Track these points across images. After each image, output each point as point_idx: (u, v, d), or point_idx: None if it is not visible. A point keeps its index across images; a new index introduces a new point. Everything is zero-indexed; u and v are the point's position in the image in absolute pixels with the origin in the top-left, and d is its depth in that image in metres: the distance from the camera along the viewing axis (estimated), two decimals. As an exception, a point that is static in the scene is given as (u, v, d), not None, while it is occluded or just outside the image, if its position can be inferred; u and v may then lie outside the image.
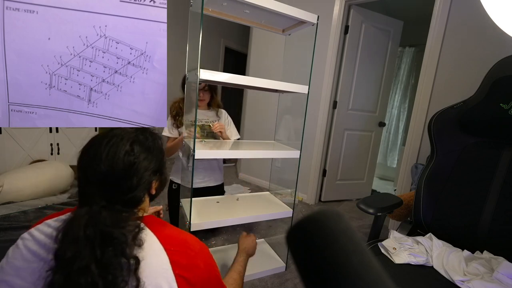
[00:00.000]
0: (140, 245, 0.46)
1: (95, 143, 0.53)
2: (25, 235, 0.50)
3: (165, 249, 0.49)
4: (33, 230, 0.50)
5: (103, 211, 0.47)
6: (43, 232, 0.49)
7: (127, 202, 0.52)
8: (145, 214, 0.56)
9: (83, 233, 0.44)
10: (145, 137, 0.58)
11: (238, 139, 1.63)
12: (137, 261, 0.45)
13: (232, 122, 1.69)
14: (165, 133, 1.57)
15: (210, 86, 1.58)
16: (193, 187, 1.54)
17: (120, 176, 0.50)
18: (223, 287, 0.59)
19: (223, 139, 1.51)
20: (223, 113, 1.69)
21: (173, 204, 1.66)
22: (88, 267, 0.42)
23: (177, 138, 1.54)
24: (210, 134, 1.56)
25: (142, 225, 0.50)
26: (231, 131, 1.65)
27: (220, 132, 1.48)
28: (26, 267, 0.46)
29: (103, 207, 0.48)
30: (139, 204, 0.55)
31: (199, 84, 1.48)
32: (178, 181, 1.63)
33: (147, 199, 0.59)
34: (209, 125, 1.57)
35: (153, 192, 0.60)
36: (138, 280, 0.44)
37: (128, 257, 0.44)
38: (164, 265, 0.48)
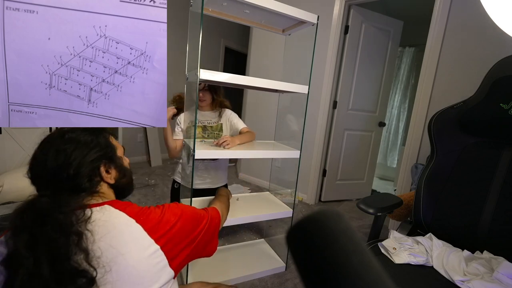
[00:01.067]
0: (86, 220, 0.51)
1: (35, 153, 0.60)
2: None
3: (136, 220, 0.55)
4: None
5: (43, 197, 0.52)
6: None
7: (72, 189, 0.57)
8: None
9: (20, 219, 0.48)
10: (76, 134, 0.63)
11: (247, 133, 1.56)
12: (79, 234, 0.48)
13: (236, 116, 1.61)
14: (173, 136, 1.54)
15: (210, 87, 1.55)
16: (195, 187, 1.55)
17: (55, 170, 0.56)
18: (204, 212, 0.73)
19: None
20: (226, 112, 1.61)
21: None
22: (30, 247, 0.45)
23: (179, 138, 1.50)
24: (212, 135, 1.56)
25: (105, 206, 0.56)
26: (237, 123, 1.57)
27: (226, 143, 1.24)
28: None
29: (44, 195, 0.53)
30: (86, 190, 0.59)
31: (199, 84, 1.48)
32: (180, 181, 1.62)
33: (104, 186, 0.64)
34: (211, 126, 1.57)
35: (110, 180, 0.65)
36: (85, 251, 0.47)
37: (67, 232, 0.47)
38: (137, 233, 0.54)
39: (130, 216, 0.56)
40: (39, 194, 0.55)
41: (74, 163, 0.57)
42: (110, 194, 0.65)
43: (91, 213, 0.53)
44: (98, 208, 0.55)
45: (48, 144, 0.59)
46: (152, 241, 0.54)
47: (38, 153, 0.59)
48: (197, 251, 0.68)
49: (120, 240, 0.52)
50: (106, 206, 0.56)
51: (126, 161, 0.73)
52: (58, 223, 0.48)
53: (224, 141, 1.22)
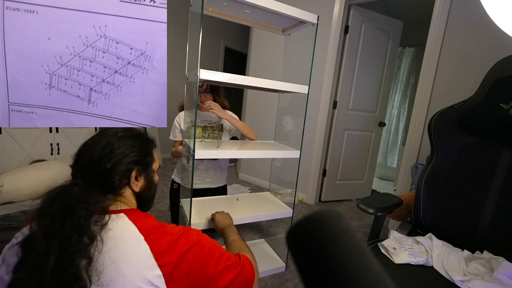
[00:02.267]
0: (102, 226, 0.50)
1: (87, 141, 0.62)
2: (18, 234, 0.52)
3: (145, 237, 0.51)
4: (24, 229, 0.52)
5: (76, 187, 0.52)
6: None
7: (102, 185, 0.58)
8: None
9: (49, 204, 0.49)
10: (128, 130, 0.66)
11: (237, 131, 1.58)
12: (92, 239, 0.47)
13: (237, 117, 1.62)
14: (171, 137, 1.56)
15: (212, 88, 1.55)
16: (194, 187, 1.54)
17: (97, 161, 0.58)
18: (225, 255, 0.60)
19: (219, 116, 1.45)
20: (227, 113, 1.63)
21: (174, 204, 1.66)
22: (45, 237, 0.45)
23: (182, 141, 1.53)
24: (212, 135, 1.56)
25: (121, 214, 0.55)
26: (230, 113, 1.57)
27: (212, 109, 1.37)
28: None
29: (77, 184, 0.54)
30: (114, 191, 0.59)
31: (201, 85, 1.48)
32: (179, 181, 1.62)
33: (128, 192, 0.62)
34: (211, 126, 1.57)
35: (136, 188, 0.63)
36: (90, 259, 0.46)
37: (82, 232, 0.47)
38: (142, 252, 0.50)
39: (141, 231, 0.52)
40: (73, 182, 0.55)
41: (114, 159, 0.59)
42: (132, 201, 0.64)
43: (108, 219, 0.52)
44: (114, 215, 0.54)
45: (102, 137, 0.61)
46: (156, 265, 0.49)
47: (89, 141, 0.61)
48: None
49: (123, 259, 0.48)
50: (122, 215, 0.55)
51: (156, 178, 0.72)
52: (78, 220, 0.48)
53: (209, 106, 1.32)
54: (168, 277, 0.50)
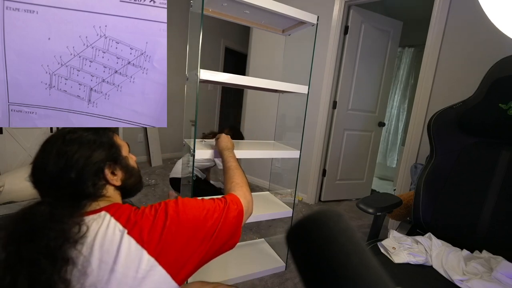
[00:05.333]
0: (78, 240, 0.46)
1: (34, 158, 0.56)
2: None
3: (128, 231, 0.49)
4: None
5: (42, 206, 0.48)
6: None
7: (75, 196, 0.53)
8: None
9: (12, 230, 0.45)
10: (73, 131, 0.60)
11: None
12: (66, 263, 0.43)
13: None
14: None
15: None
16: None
17: (57, 176, 0.53)
18: (217, 202, 0.61)
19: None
20: None
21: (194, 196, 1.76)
22: (10, 265, 0.41)
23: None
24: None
25: (102, 213, 0.51)
26: None
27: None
28: None
29: (43, 203, 0.50)
30: (92, 196, 0.55)
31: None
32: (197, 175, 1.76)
33: (110, 190, 0.59)
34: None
35: (117, 182, 0.60)
36: (65, 282, 0.42)
37: (54, 257, 0.43)
38: (128, 245, 0.47)
39: (122, 225, 0.50)
40: (38, 202, 0.51)
41: (76, 167, 0.53)
42: (116, 197, 0.61)
43: (87, 228, 0.48)
44: (95, 216, 0.51)
45: (48, 146, 0.56)
46: (146, 254, 0.48)
47: (38, 156, 0.55)
48: (213, 253, 0.57)
49: (112, 256, 0.46)
50: (103, 213, 0.51)
51: (132, 159, 0.68)
52: (46, 242, 0.43)
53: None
54: (163, 260, 0.49)
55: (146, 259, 0.48)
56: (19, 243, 0.43)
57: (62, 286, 0.42)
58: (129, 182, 0.64)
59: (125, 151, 0.66)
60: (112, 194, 0.60)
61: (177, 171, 2.02)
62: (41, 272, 0.42)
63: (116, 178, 0.60)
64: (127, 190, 0.65)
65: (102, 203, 0.56)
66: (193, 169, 1.07)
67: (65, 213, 0.48)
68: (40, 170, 0.54)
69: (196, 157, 1.04)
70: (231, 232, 0.61)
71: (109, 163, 0.59)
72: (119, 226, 0.49)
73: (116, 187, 0.61)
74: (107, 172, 0.59)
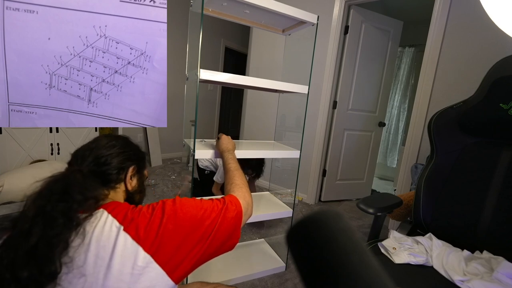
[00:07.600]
0: (87, 217, 0.50)
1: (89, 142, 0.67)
2: None
3: (124, 227, 0.50)
4: None
5: (78, 174, 0.55)
6: None
7: (100, 176, 0.61)
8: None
9: (50, 187, 0.50)
10: (127, 137, 0.72)
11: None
12: (76, 225, 0.48)
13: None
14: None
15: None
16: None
17: (100, 150, 0.62)
18: (216, 202, 0.63)
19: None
20: None
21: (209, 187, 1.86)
22: (33, 217, 0.46)
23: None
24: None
25: (101, 210, 0.54)
26: None
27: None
28: None
29: (80, 171, 0.57)
30: (110, 183, 0.63)
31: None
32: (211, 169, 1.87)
33: (121, 188, 0.65)
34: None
35: (129, 186, 0.66)
36: (66, 243, 0.46)
37: (69, 217, 0.47)
38: (124, 242, 0.49)
39: (119, 222, 0.51)
40: (77, 169, 0.57)
41: (115, 151, 0.64)
42: (119, 197, 0.65)
43: (93, 215, 0.51)
44: (97, 211, 0.53)
45: (104, 137, 0.67)
46: (141, 250, 0.48)
47: (94, 140, 0.65)
48: (211, 253, 0.57)
49: (108, 252, 0.47)
50: (100, 211, 0.53)
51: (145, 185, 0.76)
52: (72, 204, 0.48)
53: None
54: (159, 258, 0.49)
55: (142, 256, 0.48)
56: (50, 199, 0.48)
57: (62, 246, 0.45)
58: (135, 195, 0.70)
59: (146, 172, 0.76)
60: (120, 194, 0.65)
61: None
62: (52, 228, 0.45)
63: (131, 182, 0.67)
64: (129, 202, 0.67)
65: (101, 202, 0.57)
66: (193, 169, 1.06)
67: (94, 186, 0.55)
68: (90, 145, 0.63)
69: (196, 157, 1.04)
70: (229, 232, 0.61)
71: (134, 165, 0.68)
72: (115, 223, 0.51)
73: (126, 191, 0.67)
74: (130, 170, 0.66)
